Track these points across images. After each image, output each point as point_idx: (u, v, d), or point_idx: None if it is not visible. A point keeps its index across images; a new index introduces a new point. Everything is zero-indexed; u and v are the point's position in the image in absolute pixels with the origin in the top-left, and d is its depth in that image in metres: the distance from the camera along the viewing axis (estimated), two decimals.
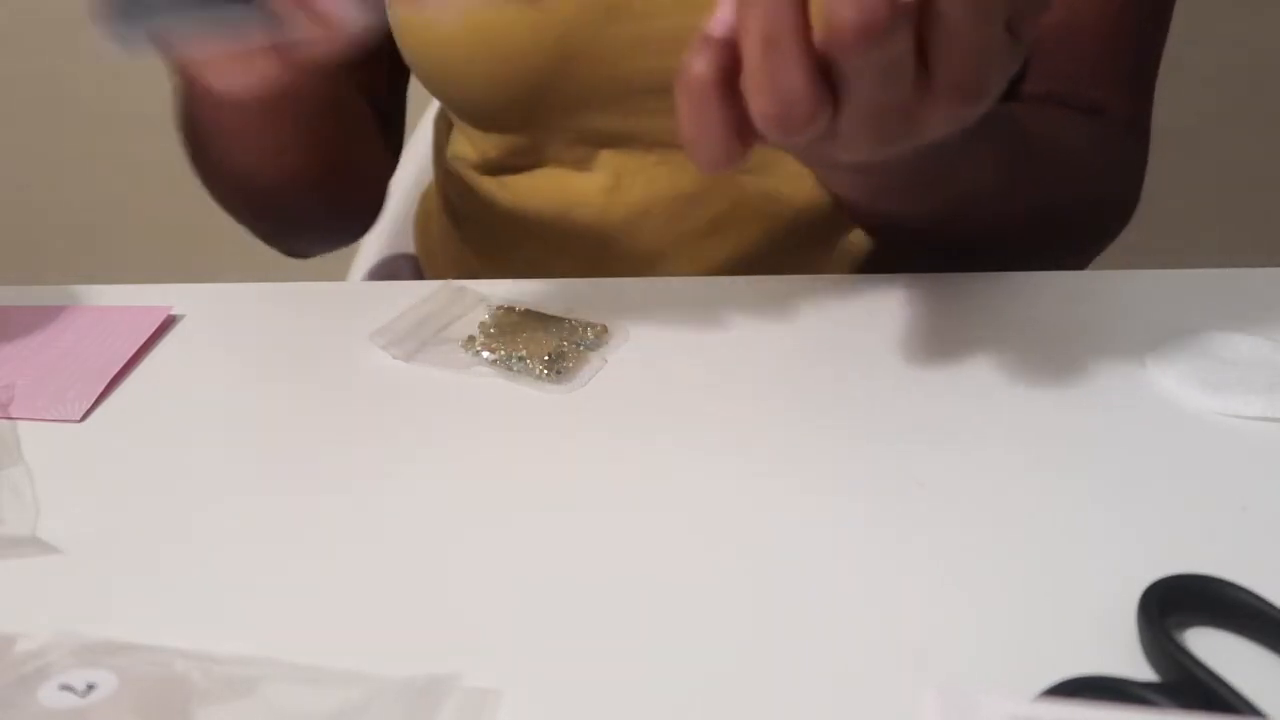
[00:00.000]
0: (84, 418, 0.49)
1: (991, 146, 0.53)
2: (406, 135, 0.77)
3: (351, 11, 0.43)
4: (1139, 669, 0.35)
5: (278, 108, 0.56)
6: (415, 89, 0.72)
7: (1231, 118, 1.48)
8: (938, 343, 0.52)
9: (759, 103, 0.38)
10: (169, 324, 0.55)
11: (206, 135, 0.62)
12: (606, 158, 0.66)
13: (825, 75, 0.38)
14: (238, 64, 0.47)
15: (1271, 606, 0.36)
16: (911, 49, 0.37)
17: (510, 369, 0.50)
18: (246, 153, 0.61)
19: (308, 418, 0.49)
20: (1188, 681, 0.34)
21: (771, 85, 0.38)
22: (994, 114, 0.54)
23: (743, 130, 0.40)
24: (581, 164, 0.67)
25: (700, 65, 0.39)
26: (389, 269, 0.88)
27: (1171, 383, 0.48)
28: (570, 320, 0.53)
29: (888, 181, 0.51)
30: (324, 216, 0.70)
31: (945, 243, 0.59)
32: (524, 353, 0.51)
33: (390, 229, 0.90)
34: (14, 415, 0.49)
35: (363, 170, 0.70)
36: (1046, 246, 0.62)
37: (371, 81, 0.69)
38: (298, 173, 0.63)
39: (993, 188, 0.55)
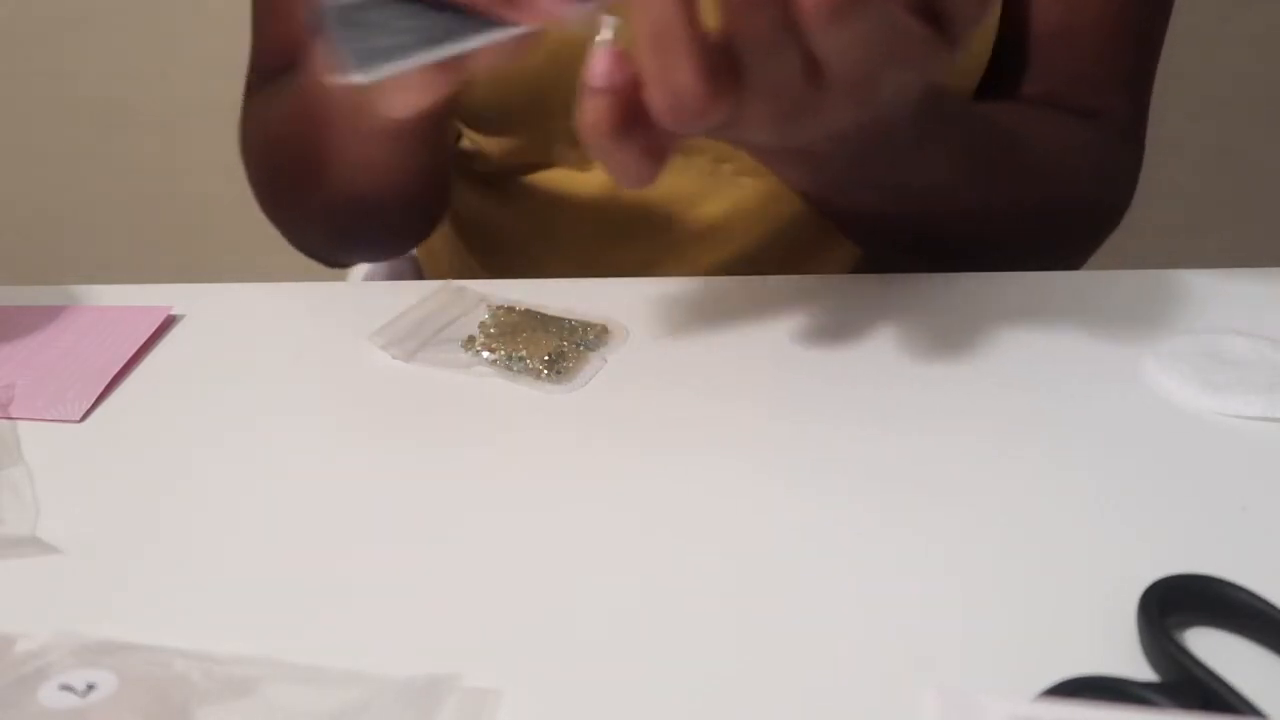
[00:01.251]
0: (84, 418, 0.49)
1: (947, 143, 0.54)
2: None
3: (579, 12, 0.43)
4: (1139, 669, 0.35)
5: (425, 123, 0.54)
6: None
7: (1231, 118, 1.48)
8: (937, 343, 0.52)
9: (654, 98, 0.40)
10: (169, 324, 0.55)
11: (330, 148, 0.59)
12: None
13: (723, 65, 0.39)
14: (421, 85, 0.46)
15: (1271, 606, 0.36)
16: (796, 41, 0.39)
17: (510, 369, 0.50)
18: (373, 165, 0.59)
19: (308, 418, 0.49)
20: (1188, 681, 0.34)
21: (663, 81, 0.39)
22: (951, 111, 0.54)
23: (650, 149, 0.42)
24: (581, 164, 0.67)
25: (590, 116, 0.41)
26: (389, 269, 0.88)
27: (1171, 383, 0.48)
28: (570, 320, 0.53)
29: (829, 173, 0.51)
30: (408, 222, 0.68)
31: (919, 241, 0.59)
32: (524, 353, 0.51)
33: None
34: (14, 415, 0.49)
35: (446, 174, 0.69)
36: (1027, 247, 0.62)
37: None
38: (409, 181, 0.61)
39: (951, 183, 0.55)
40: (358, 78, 0.43)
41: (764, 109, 0.41)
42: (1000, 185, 0.58)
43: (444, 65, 0.44)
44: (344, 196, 0.61)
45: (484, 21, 0.43)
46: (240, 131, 0.70)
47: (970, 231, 0.58)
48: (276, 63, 0.68)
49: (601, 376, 0.50)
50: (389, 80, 0.44)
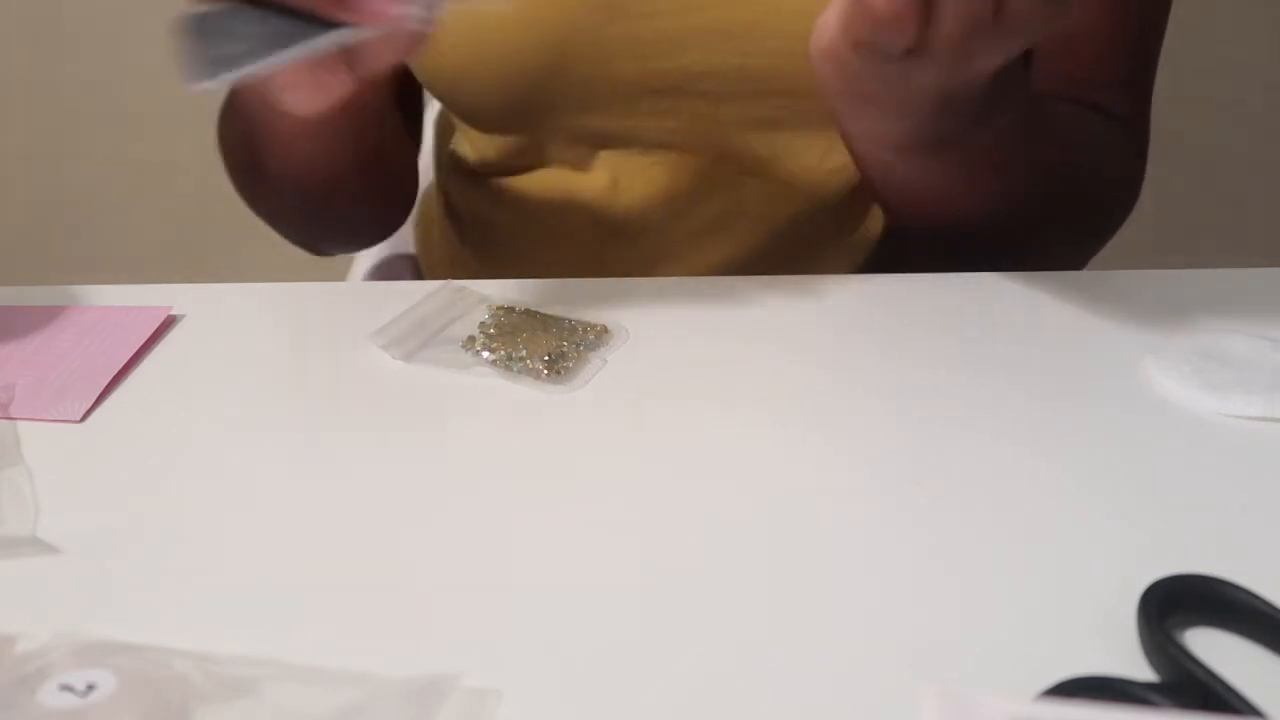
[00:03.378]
0: (84, 418, 0.49)
1: (1014, 115, 0.55)
2: None
3: (415, 11, 0.44)
4: (1139, 669, 0.35)
5: (339, 119, 0.56)
6: None
7: (1231, 118, 1.48)
8: (938, 343, 0.52)
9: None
10: (169, 324, 0.55)
11: (263, 149, 0.62)
12: (606, 158, 0.66)
13: None
14: (312, 84, 0.49)
15: (1271, 606, 0.36)
16: None
17: (510, 369, 0.50)
18: (306, 162, 0.61)
19: (307, 418, 0.49)
20: (1188, 681, 0.34)
21: None
22: (1019, 83, 0.56)
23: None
24: (581, 164, 0.67)
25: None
26: (389, 269, 0.88)
27: (1171, 383, 0.48)
28: (570, 320, 0.53)
29: (928, 130, 0.52)
30: (368, 214, 0.71)
31: (954, 222, 0.59)
32: (524, 353, 0.51)
33: None
34: (14, 415, 0.49)
35: (400, 165, 0.71)
36: (1048, 236, 0.62)
37: (396, 75, 0.70)
38: (350, 176, 0.63)
39: (1009, 158, 0.57)
40: (204, 85, 0.44)
41: (953, 33, 0.45)
42: (1044, 163, 0.60)
43: (330, 65, 0.46)
44: (289, 193, 0.64)
45: (328, 23, 0.44)
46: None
47: (1004, 212, 0.59)
48: None
49: (601, 376, 0.50)
50: (271, 82, 0.46)
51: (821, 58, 0.50)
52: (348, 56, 0.48)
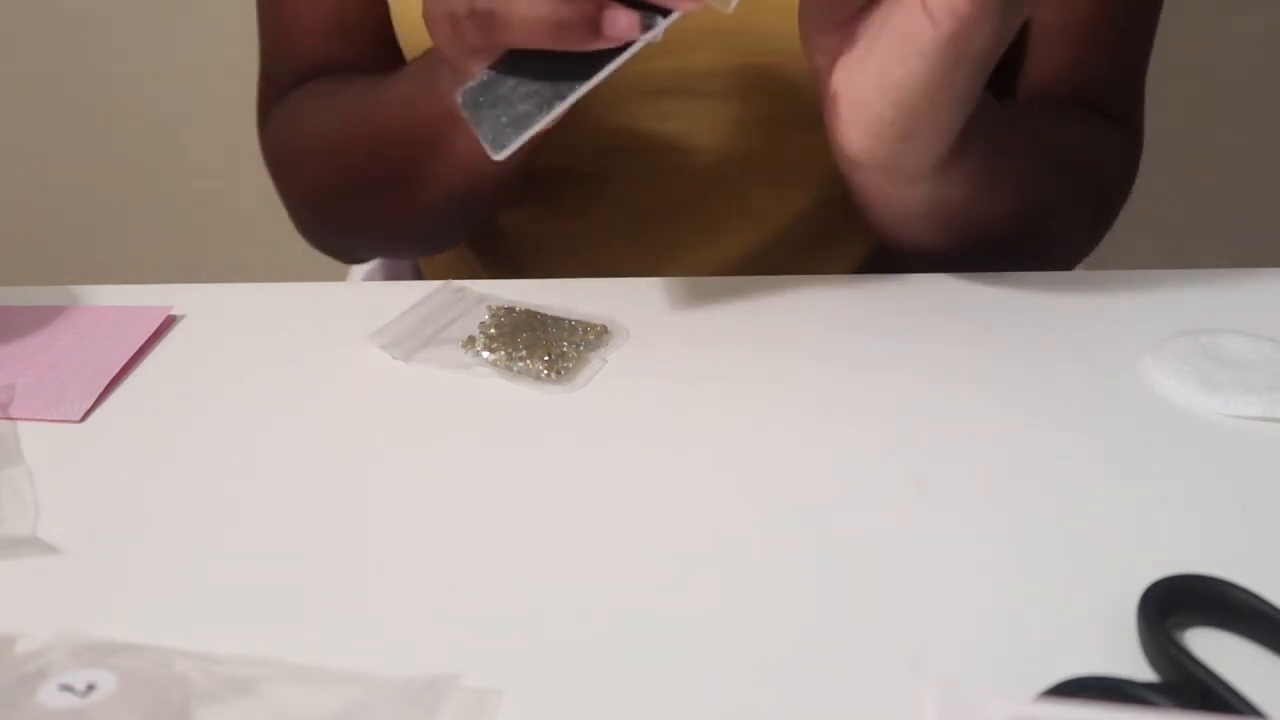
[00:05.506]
0: (84, 418, 0.49)
1: (1012, 128, 0.57)
2: None
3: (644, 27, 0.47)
4: (1139, 669, 0.35)
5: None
6: None
7: (1231, 118, 1.48)
8: (937, 343, 0.52)
9: None
10: (169, 324, 0.55)
11: (436, 164, 0.60)
12: (609, 159, 0.67)
13: None
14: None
15: (1271, 606, 0.36)
16: None
17: (510, 369, 0.50)
18: (481, 176, 0.60)
19: (307, 418, 0.49)
20: (1188, 681, 0.34)
21: None
22: (994, 106, 0.56)
23: None
24: (584, 166, 0.67)
25: None
26: (389, 269, 0.88)
27: (1171, 383, 0.48)
28: (570, 320, 0.53)
29: (960, 100, 0.52)
30: (466, 231, 0.70)
31: (978, 233, 0.58)
32: (524, 353, 0.51)
33: None
34: (14, 415, 0.49)
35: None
36: (1039, 239, 0.62)
37: None
38: (491, 200, 0.63)
39: (1018, 148, 0.58)
40: (499, 156, 0.48)
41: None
42: (1037, 170, 0.60)
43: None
44: (446, 200, 0.62)
45: (595, 60, 0.47)
46: (269, 139, 0.71)
47: (1001, 214, 0.58)
48: (293, 77, 0.69)
49: (601, 376, 0.50)
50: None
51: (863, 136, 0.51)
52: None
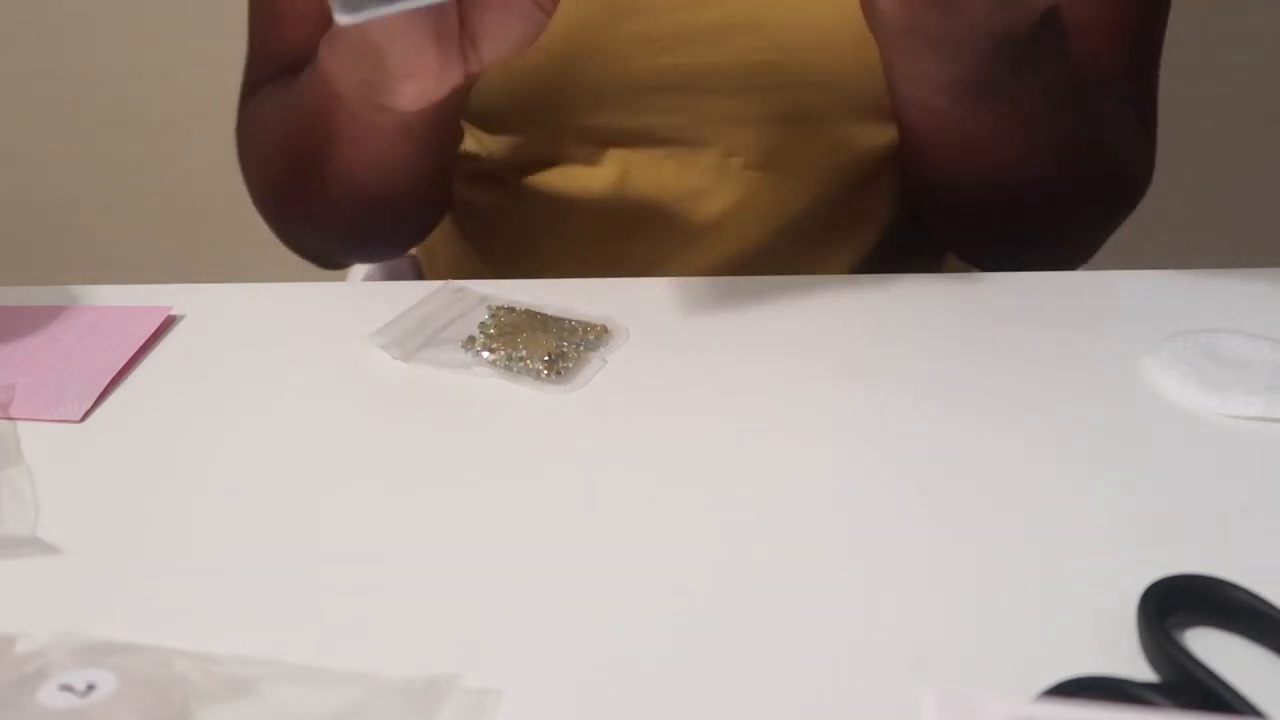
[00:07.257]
0: (84, 418, 0.49)
1: (1056, 67, 0.56)
2: None
3: None
4: (1139, 669, 0.35)
5: (442, 115, 0.56)
6: None
7: (1231, 118, 1.48)
8: (937, 343, 0.52)
9: None
10: (169, 324, 0.55)
11: (339, 152, 0.60)
12: (614, 155, 0.67)
13: None
14: (437, 71, 0.48)
15: (1271, 606, 0.36)
16: None
17: (510, 369, 0.50)
18: (398, 163, 0.60)
19: (307, 418, 0.49)
20: (1188, 681, 0.34)
21: None
22: (1060, 34, 0.57)
23: None
24: (589, 161, 0.67)
25: None
26: (389, 269, 0.88)
27: (1171, 383, 0.48)
28: (570, 320, 0.53)
29: (975, 71, 0.52)
30: (419, 222, 0.69)
31: (993, 176, 0.59)
32: (524, 353, 0.51)
33: None
34: (14, 415, 0.49)
35: (447, 177, 0.69)
36: (1064, 209, 0.62)
37: None
38: (426, 180, 0.62)
39: (1052, 112, 0.57)
40: (344, 19, 0.44)
41: None
42: (1079, 127, 0.60)
43: (453, 49, 0.46)
44: (354, 195, 0.62)
45: None
46: (238, 136, 0.70)
47: (1043, 170, 0.59)
48: (273, 69, 0.68)
49: (601, 376, 0.50)
50: (393, 70, 0.46)
51: None
52: (469, 41, 0.48)
